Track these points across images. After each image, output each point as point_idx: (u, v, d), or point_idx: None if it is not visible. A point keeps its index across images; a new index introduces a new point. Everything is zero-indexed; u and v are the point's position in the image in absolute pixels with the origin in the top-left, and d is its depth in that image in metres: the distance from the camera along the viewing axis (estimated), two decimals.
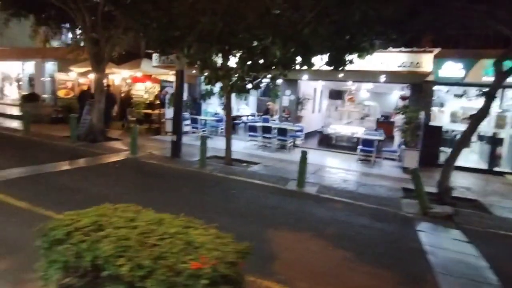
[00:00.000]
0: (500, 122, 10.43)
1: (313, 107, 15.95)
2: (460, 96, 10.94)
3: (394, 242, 4.78)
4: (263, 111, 17.04)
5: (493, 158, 10.77)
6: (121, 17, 9.50)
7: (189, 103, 13.19)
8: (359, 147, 10.31)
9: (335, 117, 14.89)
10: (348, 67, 8.16)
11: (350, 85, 16.03)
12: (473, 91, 11.28)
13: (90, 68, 11.76)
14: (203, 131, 12.80)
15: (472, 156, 11.87)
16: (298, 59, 7.48)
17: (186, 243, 1.86)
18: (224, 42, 7.51)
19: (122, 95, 14.58)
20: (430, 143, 10.98)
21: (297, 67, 7.73)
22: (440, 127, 11.13)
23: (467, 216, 6.05)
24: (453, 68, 10.26)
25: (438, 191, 6.95)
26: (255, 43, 7.39)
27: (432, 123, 11.29)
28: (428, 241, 4.82)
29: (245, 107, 18.19)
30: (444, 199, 6.84)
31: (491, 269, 4.09)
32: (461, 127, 12.67)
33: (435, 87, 11.09)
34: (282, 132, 10.94)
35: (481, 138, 11.84)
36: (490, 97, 6.64)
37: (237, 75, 7.86)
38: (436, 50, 9.62)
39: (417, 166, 9.38)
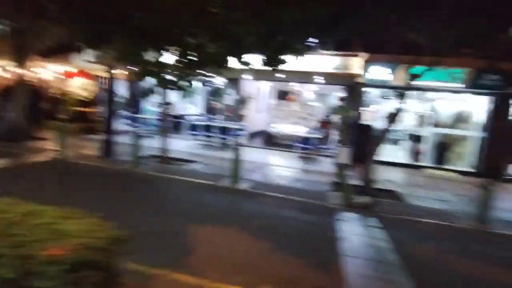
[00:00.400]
0: (421, 121, 11.55)
1: (258, 106, 16.23)
2: (387, 97, 11.90)
3: (314, 232, 5.06)
4: (209, 110, 16.96)
5: (416, 154, 11.92)
6: (46, 5, 8.81)
7: (127, 101, 12.65)
8: (299, 145, 10.72)
9: (280, 116, 15.33)
10: (287, 68, 8.48)
11: (296, 86, 16.63)
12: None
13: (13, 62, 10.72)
14: (146, 130, 12.36)
15: (399, 153, 12.95)
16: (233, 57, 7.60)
17: (53, 231, 1.79)
18: (157, 38, 7.35)
19: (53, 91, 13.49)
20: (362, 141, 11.82)
21: (235, 66, 7.85)
22: (370, 126, 12.01)
23: (384, 205, 6.60)
24: (381, 72, 11.14)
25: (362, 183, 7.51)
26: (189, 40, 7.35)
27: (364, 122, 12.15)
28: (344, 229, 5.17)
29: (191, 106, 17.93)
30: (367, 191, 7.40)
31: (395, 251, 4.51)
32: (387, 125, 13.81)
33: (367, 89, 11.93)
34: (223, 130, 10.98)
35: (406, 136, 12.99)
36: (401, 98, 7.34)
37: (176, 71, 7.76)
38: (365, 55, 10.39)
39: (350, 162, 10.06)
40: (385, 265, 4.11)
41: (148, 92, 9.45)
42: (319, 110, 17.85)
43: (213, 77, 8.87)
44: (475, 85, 10.55)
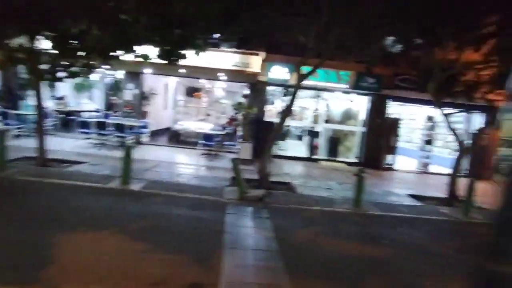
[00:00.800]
0: (317, 118, 12.66)
1: (165, 103, 15.56)
2: (285, 95, 12.68)
3: (200, 228, 5.00)
4: (107, 106, 15.54)
5: (313, 148, 13.02)
6: None
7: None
8: (201, 142, 10.60)
9: (188, 113, 14.96)
10: (189, 63, 8.24)
11: (205, 82, 16.44)
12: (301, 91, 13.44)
13: None
14: (23, 128, 10.60)
15: (299, 147, 13.97)
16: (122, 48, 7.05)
17: None
18: (30, 21, 6.33)
19: None
20: (264, 137, 12.38)
21: (131, 58, 7.31)
22: (272, 122, 12.65)
23: (276, 196, 6.97)
24: (279, 71, 11.79)
25: (258, 177, 7.81)
26: (67, 25, 6.53)
27: (266, 119, 12.72)
28: (231, 222, 5.27)
29: (88, 102, 16.16)
30: (263, 184, 7.74)
31: (276, 239, 4.77)
32: (291, 122, 14.76)
33: (269, 87, 12.50)
34: (120, 128, 10.15)
35: (305, 132, 14.09)
36: (292, 95, 7.88)
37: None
38: (264, 54, 10.84)
39: (251, 157, 10.41)
40: (264, 253, 4.31)
41: (25, 84, 8.13)
42: (227, 107, 18.07)
43: (106, 69, 8.08)
44: (357, 87, 12.03)
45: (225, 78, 11.68)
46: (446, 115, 8.62)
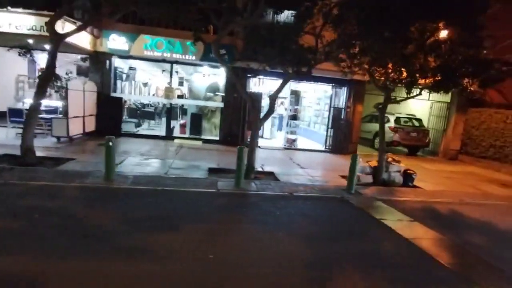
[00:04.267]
0: (169, 93, 11.80)
1: None
2: (133, 69, 11.70)
3: None
4: None
5: (168, 125, 12.21)
6: None
7: None
8: (11, 118, 9.39)
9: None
10: None
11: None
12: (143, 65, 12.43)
13: None
14: None
15: (158, 127, 13.12)
16: None
17: None
18: None
19: None
20: (112, 113, 11.40)
21: None
22: (121, 98, 11.67)
23: (23, 172, 6.06)
24: (119, 41, 10.75)
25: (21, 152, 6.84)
26: None
27: (116, 94, 11.71)
28: None
29: None
30: (26, 159, 6.79)
31: None
32: (144, 98, 13.78)
33: (113, 59, 11.42)
34: None
35: (162, 109, 13.15)
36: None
37: None
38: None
39: (66, 134, 9.37)
40: None
41: None
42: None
43: None
44: (206, 58, 11.24)
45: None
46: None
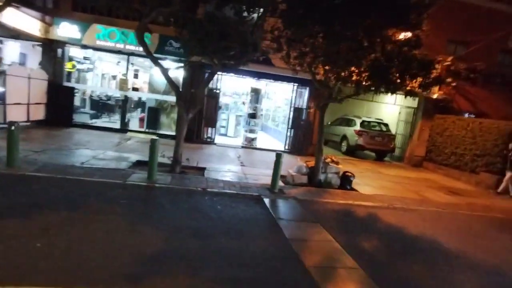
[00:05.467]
0: (123, 85, 11.60)
1: None
2: (87, 58, 11.51)
3: None
4: None
5: (123, 119, 12.00)
6: None
7: None
8: None
9: None
10: None
11: None
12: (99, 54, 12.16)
13: None
14: None
15: (116, 118, 12.92)
16: None
17: None
18: None
19: None
20: (63, 103, 11.21)
21: None
22: (73, 88, 11.47)
23: None
24: (71, 29, 10.56)
25: None
26: None
27: (70, 84, 11.52)
28: None
29: None
30: None
31: None
32: (100, 89, 13.50)
33: (66, 47, 11.22)
34: None
35: (118, 101, 12.93)
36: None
37: None
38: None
39: (3, 120, 9.16)
40: None
41: None
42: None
43: None
44: (161, 51, 11.05)
45: None
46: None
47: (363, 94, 8.01)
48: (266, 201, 6.11)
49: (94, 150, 8.28)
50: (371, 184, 8.91)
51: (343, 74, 7.27)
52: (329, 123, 17.20)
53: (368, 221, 6.02)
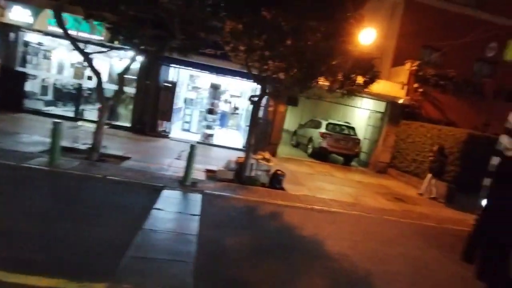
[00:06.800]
0: (78, 73, 11.44)
1: None
2: (41, 44, 11.40)
3: None
4: None
5: (76, 108, 11.84)
6: None
7: None
8: None
9: None
10: None
11: None
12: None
13: None
14: None
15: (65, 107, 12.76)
16: None
17: None
18: None
19: None
20: (14, 88, 11.10)
21: None
22: (24, 73, 11.34)
23: None
24: (23, 13, 10.45)
25: None
26: None
27: (24, 69, 11.39)
28: None
29: None
30: None
31: None
32: (54, 76, 13.25)
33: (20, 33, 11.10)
34: None
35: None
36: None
37: None
38: None
39: None
40: None
41: None
42: None
43: None
44: (115, 40, 10.84)
45: None
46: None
47: (305, 90, 7.67)
48: (165, 192, 5.81)
49: (22, 134, 8.09)
50: (310, 185, 8.56)
51: (265, 67, 6.97)
52: (300, 124, 16.91)
53: (261, 219, 5.67)
